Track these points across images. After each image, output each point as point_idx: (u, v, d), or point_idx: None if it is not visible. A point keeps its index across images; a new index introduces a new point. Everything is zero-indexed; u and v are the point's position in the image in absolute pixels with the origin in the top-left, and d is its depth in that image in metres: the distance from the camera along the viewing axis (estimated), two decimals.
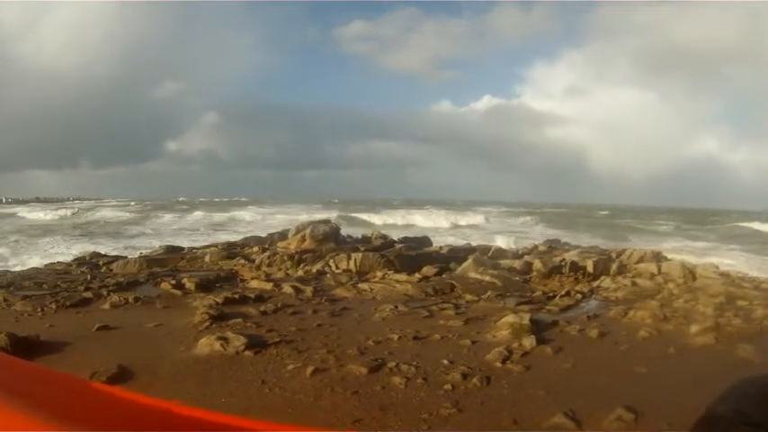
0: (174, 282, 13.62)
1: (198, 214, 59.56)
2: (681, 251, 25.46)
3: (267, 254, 18.98)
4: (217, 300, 11.58)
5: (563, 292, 13.68)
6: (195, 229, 42.10)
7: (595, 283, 15.06)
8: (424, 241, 23.77)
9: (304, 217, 38.96)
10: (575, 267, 16.79)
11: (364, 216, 57.37)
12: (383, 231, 25.35)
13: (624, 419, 5.78)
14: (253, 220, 53.31)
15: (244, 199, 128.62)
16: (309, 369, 7.30)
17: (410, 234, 28.42)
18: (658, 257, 18.10)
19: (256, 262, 18.22)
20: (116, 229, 43.95)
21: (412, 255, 18.85)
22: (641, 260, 17.55)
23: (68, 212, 64.58)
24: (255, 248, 20.81)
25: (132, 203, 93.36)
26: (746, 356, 8.28)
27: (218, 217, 56.46)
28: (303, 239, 20.80)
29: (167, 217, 56.39)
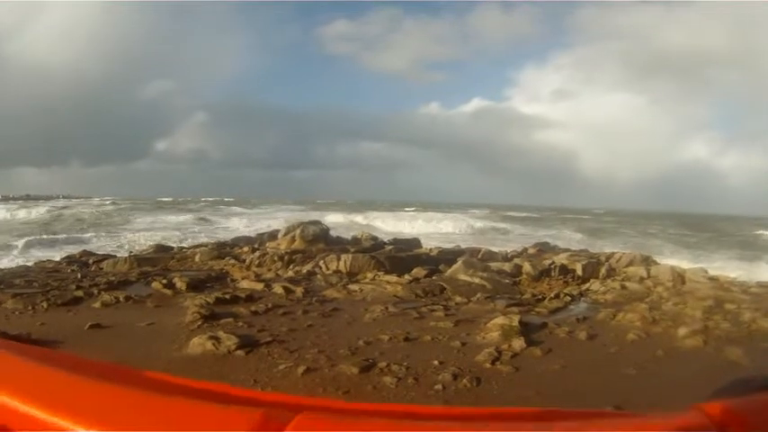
0: (165, 281, 13.62)
1: (161, 215, 58.25)
2: (675, 257, 25.57)
3: (257, 254, 18.98)
4: (208, 299, 11.57)
5: (552, 295, 13.76)
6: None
7: (584, 286, 15.13)
8: (414, 243, 23.80)
9: (275, 222, 38.71)
10: (564, 270, 16.88)
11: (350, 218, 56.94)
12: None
13: None
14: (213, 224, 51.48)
15: (227, 199, 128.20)
16: (301, 369, 7.34)
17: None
18: (647, 261, 18.22)
19: (246, 262, 18.23)
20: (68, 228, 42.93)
21: (402, 256, 18.87)
22: (630, 264, 17.67)
23: (43, 210, 63.21)
24: (245, 248, 20.80)
25: (107, 202, 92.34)
26: (734, 359, 8.38)
27: (181, 218, 54.96)
28: (293, 240, 20.82)
29: (125, 217, 55.07)
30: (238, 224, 47.24)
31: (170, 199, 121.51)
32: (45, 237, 32.33)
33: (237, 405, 1.28)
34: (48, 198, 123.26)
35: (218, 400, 1.35)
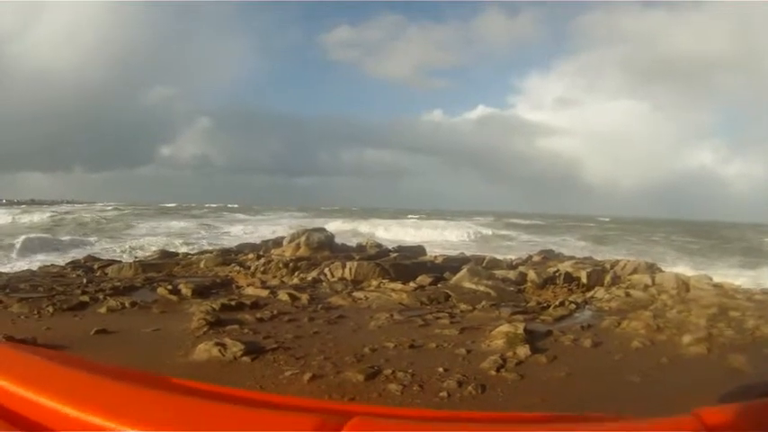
0: (170, 287, 13.65)
1: (165, 221, 57.78)
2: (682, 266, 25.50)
3: (262, 261, 19.02)
4: (213, 306, 11.60)
5: (557, 303, 13.75)
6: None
7: (589, 294, 15.12)
8: (419, 250, 23.80)
9: (279, 229, 38.67)
10: (569, 278, 16.89)
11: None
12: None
13: None
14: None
15: (230, 205, 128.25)
16: (307, 375, 7.37)
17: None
18: (652, 269, 18.21)
19: (251, 269, 18.25)
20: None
21: (407, 264, 18.88)
22: (635, 271, 17.65)
23: (45, 215, 62.87)
24: (250, 255, 20.87)
25: (109, 208, 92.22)
26: (738, 367, 8.38)
27: (185, 224, 54.37)
28: (298, 247, 20.88)
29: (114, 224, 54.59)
30: (242, 231, 47.19)
31: (174, 205, 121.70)
32: (44, 236, 32.42)
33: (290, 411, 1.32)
34: (52, 203, 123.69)
35: (267, 407, 1.39)
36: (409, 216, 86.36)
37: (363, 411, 1.48)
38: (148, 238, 36.10)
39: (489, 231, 55.74)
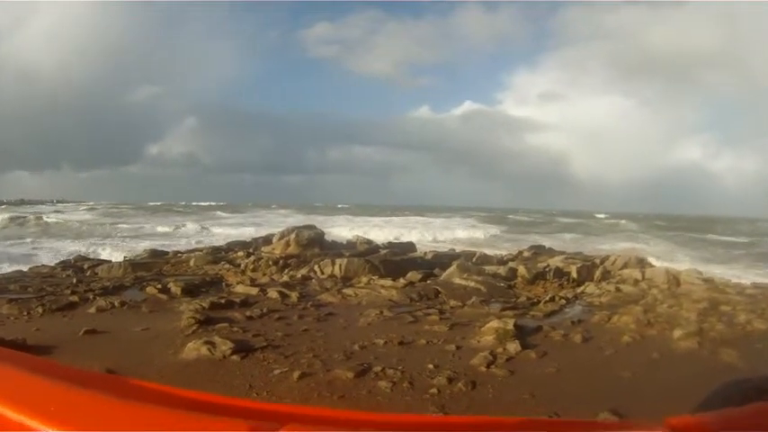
0: (159, 286, 13.60)
1: (153, 219, 57.09)
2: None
3: (252, 259, 18.97)
4: (203, 304, 11.56)
5: (547, 298, 13.76)
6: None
7: (580, 289, 15.13)
8: (409, 247, 23.79)
9: (269, 227, 38.44)
10: (559, 273, 16.89)
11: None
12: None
13: None
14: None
15: (219, 203, 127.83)
16: (296, 374, 7.34)
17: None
18: (642, 263, 18.24)
19: (241, 267, 18.20)
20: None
21: (396, 260, 18.85)
22: (625, 266, 17.67)
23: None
24: (240, 253, 20.79)
25: (82, 209, 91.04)
26: (729, 361, 8.41)
27: (174, 222, 53.57)
28: (288, 244, 20.79)
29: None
30: (232, 229, 46.97)
31: (162, 203, 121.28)
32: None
33: (226, 415, 1.29)
34: (40, 202, 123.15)
35: (207, 411, 1.35)
36: (397, 213, 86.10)
37: (304, 415, 1.46)
38: (140, 238, 35.69)
39: (479, 227, 55.67)
